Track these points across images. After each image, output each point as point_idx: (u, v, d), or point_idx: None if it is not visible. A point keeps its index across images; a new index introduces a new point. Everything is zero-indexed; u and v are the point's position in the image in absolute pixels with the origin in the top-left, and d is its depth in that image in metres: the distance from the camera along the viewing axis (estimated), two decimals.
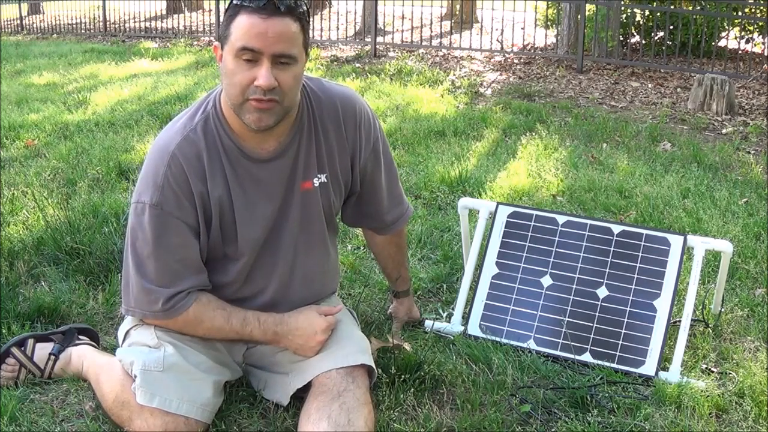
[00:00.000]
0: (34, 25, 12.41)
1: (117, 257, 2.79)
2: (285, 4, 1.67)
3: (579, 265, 2.42)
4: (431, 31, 10.13)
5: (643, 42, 8.11)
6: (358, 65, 7.81)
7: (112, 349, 2.16)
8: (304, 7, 1.73)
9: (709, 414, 2.03)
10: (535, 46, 8.84)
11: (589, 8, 7.85)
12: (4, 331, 2.33)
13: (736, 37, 8.12)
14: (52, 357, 2.10)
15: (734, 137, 5.24)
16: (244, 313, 1.90)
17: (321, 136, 1.92)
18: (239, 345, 2.01)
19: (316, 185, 1.93)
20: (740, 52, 7.85)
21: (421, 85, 6.79)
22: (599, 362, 2.25)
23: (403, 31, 9.88)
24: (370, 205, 2.14)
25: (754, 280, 2.88)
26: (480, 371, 2.20)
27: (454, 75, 7.32)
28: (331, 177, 1.96)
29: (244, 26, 1.67)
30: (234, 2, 1.70)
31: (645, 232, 2.42)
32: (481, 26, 10.53)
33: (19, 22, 12.48)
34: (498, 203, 2.57)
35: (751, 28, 8.14)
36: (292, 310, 1.95)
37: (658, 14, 7.89)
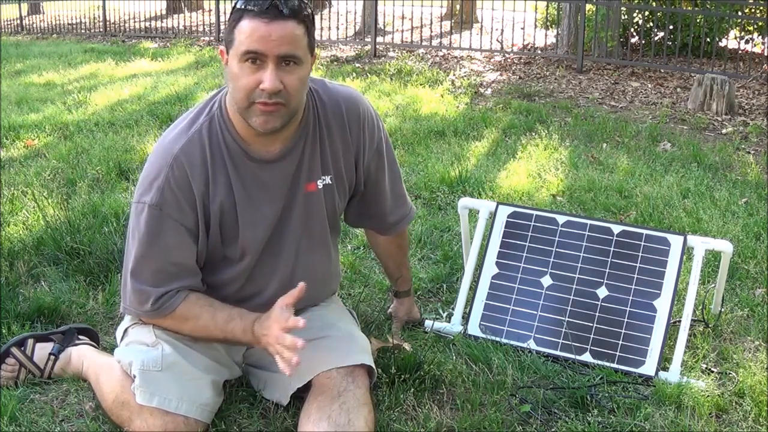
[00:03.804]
0: (34, 25, 12.41)
1: (117, 257, 2.78)
2: (288, 7, 1.67)
3: (579, 265, 2.42)
4: (431, 31, 10.13)
5: (643, 42, 8.11)
6: (358, 65, 7.81)
7: (112, 349, 2.16)
8: (309, 10, 1.73)
9: (709, 414, 2.03)
10: (535, 46, 8.84)
11: (589, 8, 7.85)
12: (4, 331, 2.33)
13: (736, 37, 8.12)
14: (52, 357, 2.10)
15: (734, 137, 5.24)
16: (231, 309, 1.86)
17: (326, 138, 1.92)
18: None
19: (320, 187, 1.93)
20: (740, 52, 7.85)
21: (421, 85, 6.79)
22: (599, 362, 2.25)
23: (403, 31, 9.88)
24: (373, 205, 2.14)
25: (754, 280, 2.88)
26: (480, 371, 2.20)
27: (454, 75, 7.32)
28: (335, 178, 1.96)
29: (248, 30, 1.67)
30: (237, 7, 1.70)
31: (645, 232, 2.42)
32: (481, 26, 10.54)
33: (19, 22, 12.48)
34: (498, 203, 2.57)
35: (751, 28, 8.13)
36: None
37: (659, 14, 7.89)
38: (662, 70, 7.55)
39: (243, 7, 1.69)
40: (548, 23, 9.12)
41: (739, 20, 7.75)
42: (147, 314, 1.84)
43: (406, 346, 2.19)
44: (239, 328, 1.83)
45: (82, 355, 2.10)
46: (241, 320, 1.84)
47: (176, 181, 1.77)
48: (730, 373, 2.23)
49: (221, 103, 1.85)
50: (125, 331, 1.97)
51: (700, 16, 7.63)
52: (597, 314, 2.34)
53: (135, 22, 11.46)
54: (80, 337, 2.19)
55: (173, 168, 1.77)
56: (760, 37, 8.24)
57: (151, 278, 1.81)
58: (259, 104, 1.71)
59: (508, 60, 8.23)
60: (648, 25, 8.05)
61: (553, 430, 1.96)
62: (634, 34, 8.55)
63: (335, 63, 8.02)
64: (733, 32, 8.23)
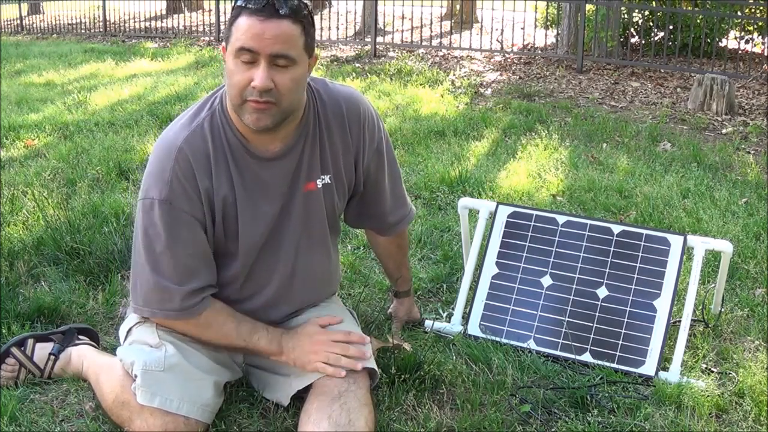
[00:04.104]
0: (34, 25, 12.41)
1: (117, 257, 2.79)
2: (286, 7, 1.68)
3: (579, 265, 2.42)
4: (431, 31, 10.13)
5: (643, 42, 8.11)
6: (358, 65, 7.81)
7: (112, 349, 2.16)
8: (307, 11, 1.73)
9: (709, 414, 2.03)
10: (535, 46, 8.84)
11: (589, 8, 7.85)
12: (4, 331, 2.33)
13: (736, 38, 8.13)
14: (52, 357, 2.10)
15: (734, 137, 5.24)
16: (254, 321, 1.91)
17: (326, 137, 1.92)
18: None
19: (319, 186, 1.93)
20: (740, 52, 7.85)
21: (421, 85, 6.79)
22: (599, 362, 2.25)
23: (403, 31, 9.88)
24: (373, 206, 2.14)
25: (754, 280, 2.88)
26: (480, 371, 2.20)
27: (454, 75, 7.32)
28: (335, 178, 1.96)
29: (244, 27, 1.68)
30: (237, 4, 1.71)
31: (645, 232, 2.42)
32: (481, 26, 10.54)
33: (19, 22, 12.48)
34: (498, 203, 2.57)
35: (751, 28, 8.13)
36: (300, 326, 1.96)
37: (659, 14, 7.89)
38: (662, 70, 7.55)
39: (242, 4, 1.70)
40: (548, 23, 9.12)
41: (739, 20, 7.75)
42: (168, 314, 1.83)
43: (406, 346, 2.19)
44: (265, 338, 1.89)
45: (82, 355, 2.09)
46: (268, 332, 1.90)
47: (182, 172, 1.77)
48: (730, 373, 2.23)
49: (222, 100, 1.85)
50: (129, 330, 1.96)
51: (700, 17, 7.63)
52: (597, 314, 2.34)
53: (135, 22, 11.46)
54: (80, 337, 2.19)
55: (178, 160, 1.77)
56: (760, 37, 8.24)
57: (174, 274, 1.79)
58: (251, 101, 1.72)
59: (508, 60, 8.23)
60: (648, 25, 8.05)
61: (553, 430, 1.96)
62: (634, 34, 8.56)
63: (335, 63, 8.02)
64: (733, 32, 8.24)
